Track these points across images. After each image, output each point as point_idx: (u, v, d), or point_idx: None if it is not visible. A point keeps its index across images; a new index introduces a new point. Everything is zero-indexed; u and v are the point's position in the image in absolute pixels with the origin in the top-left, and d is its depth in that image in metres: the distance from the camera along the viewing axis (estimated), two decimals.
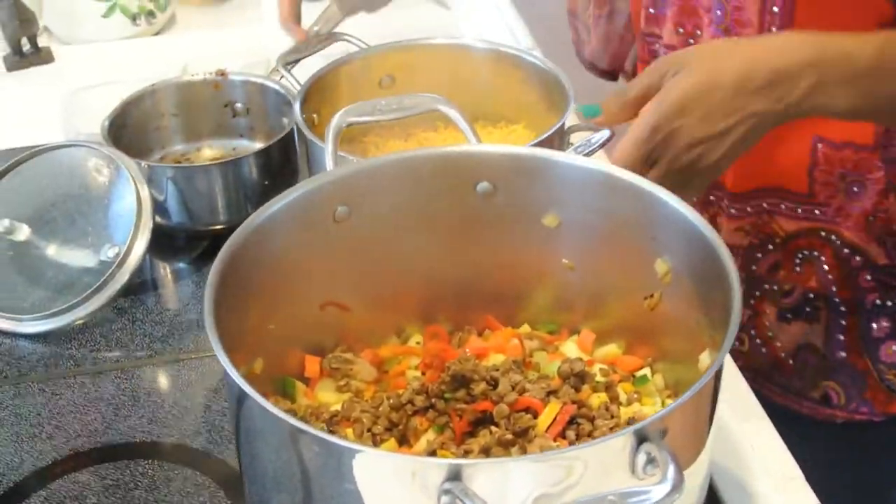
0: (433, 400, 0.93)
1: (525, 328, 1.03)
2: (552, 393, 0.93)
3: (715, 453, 0.86)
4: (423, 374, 0.99)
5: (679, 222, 0.90)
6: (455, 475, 0.72)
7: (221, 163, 1.21)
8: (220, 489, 0.97)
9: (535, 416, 0.91)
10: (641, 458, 0.74)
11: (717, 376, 0.79)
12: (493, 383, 0.93)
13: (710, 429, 0.81)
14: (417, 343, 1.04)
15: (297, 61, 1.30)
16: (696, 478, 0.81)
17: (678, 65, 0.97)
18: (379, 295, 1.02)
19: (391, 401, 0.94)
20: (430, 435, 0.92)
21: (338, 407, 0.95)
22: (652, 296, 0.96)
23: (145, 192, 1.14)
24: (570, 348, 1.00)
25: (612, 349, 1.01)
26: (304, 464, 0.78)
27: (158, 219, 1.20)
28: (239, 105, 1.31)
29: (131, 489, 0.97)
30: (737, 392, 1.10)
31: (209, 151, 1.31)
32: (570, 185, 0.95)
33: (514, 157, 0.96)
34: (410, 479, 0.74)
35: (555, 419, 0.90)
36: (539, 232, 0.99)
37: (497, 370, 0.95)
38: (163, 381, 1.08)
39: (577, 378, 0.94)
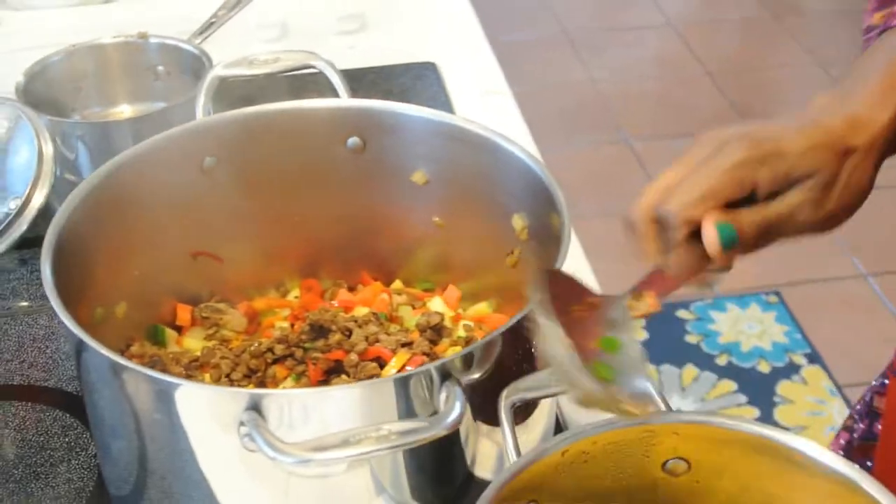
0: (293, 349, 0.95)
1: (397, 284, 1.04)
2: (407, 345, 0.94)
3: None
4: (292, 325, 1.00)
5: (525, 175, 0.92)
6: (253, 405, 0.74)
7: (131, 119, 1.23)
8: (87, 430, 0.99)
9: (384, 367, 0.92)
10: (443, 395, 0.76)
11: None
12: (349, 334, 0.95)
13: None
14: (296, 297, 1.05)
15: (211, 25, 1.32)
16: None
17: None
18: (255, 248, 1.04)
19: (252, 348, 0.96)
20: (289, 383, 0.94)
21: (199, 353, 0.97)
22: (512, 252, 0.97)
23: (47, 145, 1.16)
24: (436, 304, 1.01)
25: (482, 307, 1.02)
26: (131, 402, 0.80)
27: (70, 175, 1.22)
28: (160, 68, 1.33)
29: (1, 428, 0.99)
30: None
31: (128, 114, 1.33)
32: (429, 140, 0.97)
33: (377, 111, 0.98)
34: (216, 408, 0.77)
35: (402, 369, 0.92)
36: (409, 189, 1.01)
37: (355, 321, 0.96)
38: (49, 329, 1.10)
39: (434, 331, 0.96)
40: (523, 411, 0.86)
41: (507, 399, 0.78)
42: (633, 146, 3.12)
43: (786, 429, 0.77)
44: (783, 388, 2.38)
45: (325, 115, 0.99)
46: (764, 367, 2.44)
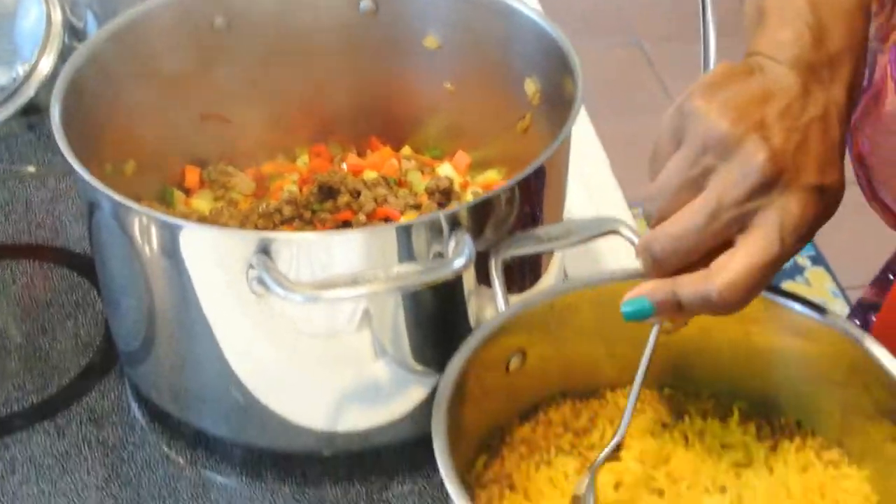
0: (301, 210, 0.95)
1: (407, 150, 1.04)
2: (415, 207, 0.94)
3: None
4: (300, 189, 1.00)
5: (538, 38, 0.91)
6: (263, 248, 0.74)
7: None
8: (94, 288, 0.99)
9: None
10: (451, 244, 0.76)
11: (539, 173, 0.80)
12: (358, 195, 0.95)
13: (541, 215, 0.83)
14: (305, 163, 1.05)
15: None
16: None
17: None
18: (265, 112, 1.03)
19: (260, 209, 0.96)
20: None
21: (207, 213, 0.97)
22: (524, 117, 0.97)
23: (56, 10, 1.15)
24: (445, 169, 1.01)
25: (491, 175, 1.02)
26: (139, 250, 0.80)
27: (78, 44, 1.21)
28: None
29: (9, 284, 1.00)
30: None
31: None
32: (441, 3, 0.97)
33: None
34: (225, 251, 0.77)
35: None
36: (421, 54, 1.00)
37: (364, 184, 0.96)
38: (57, 191, 1.10)
39: (442, 195, 0.95)
40: (532, 272, 0.87)
41: (497, 255, 0.79)
42: (644, 50, 3.09)
43: None
44: (787, 288, 2.37)
45: None
46: None
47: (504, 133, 0.99)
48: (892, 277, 0.90)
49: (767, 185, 0.63)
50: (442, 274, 0.71)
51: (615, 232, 0.81)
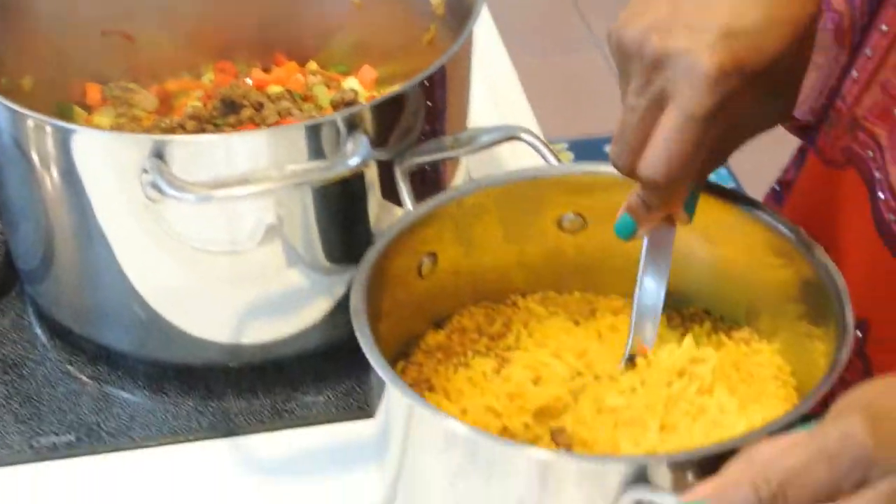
0: (204, 125, 0.94)
1: (312, 65, 1.03)
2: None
3: None
4: (205, 105, 0.99)
5: None
6: (157, 152, 0.73)
7: None
8: None
9: None
10: (349, 146, 0.75)
11: (440, 74, 0.80)
12: (261, 108, 0.94)
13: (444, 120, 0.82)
14: (210, 81, 1.04)
15: None
16: None
17: (884, 462, 0.52)
18: (169, 29, 1.01)
19: (163, 124, 0.94)
20: None
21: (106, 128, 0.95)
22: (428, 29, 0.96)
23: None
24: (351, 83, 1.00)
25: (395, 89, 1.01)
26: (35, 163, 0.79)
27: None
28: None
29: None
30: None
31: None
32: None
33: None
34: (119, 156, 0.75)
35: None
36: None
37: (268, 97, 0.95)
38: None
39: (347, 107, 0.94)
40: (437, 180, 0.86)
41: (401, 163, 0.79)
42: None
43: None
44: None
45: None
46: None
47: (410, 46, 0.98)
48: (777, 188, 0.91)
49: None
50: (336, 172, 0.71)
51: (517, 138, 0.81)
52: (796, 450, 0.53)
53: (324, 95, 0.98)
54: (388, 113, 0.77)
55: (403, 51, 0.99)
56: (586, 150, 2.32)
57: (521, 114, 1.08)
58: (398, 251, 0.72)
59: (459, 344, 0.76)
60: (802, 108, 0.88)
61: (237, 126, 0.92)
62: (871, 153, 0.78)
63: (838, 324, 0.65)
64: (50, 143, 0.77)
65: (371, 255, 0.70)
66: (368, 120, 0.75)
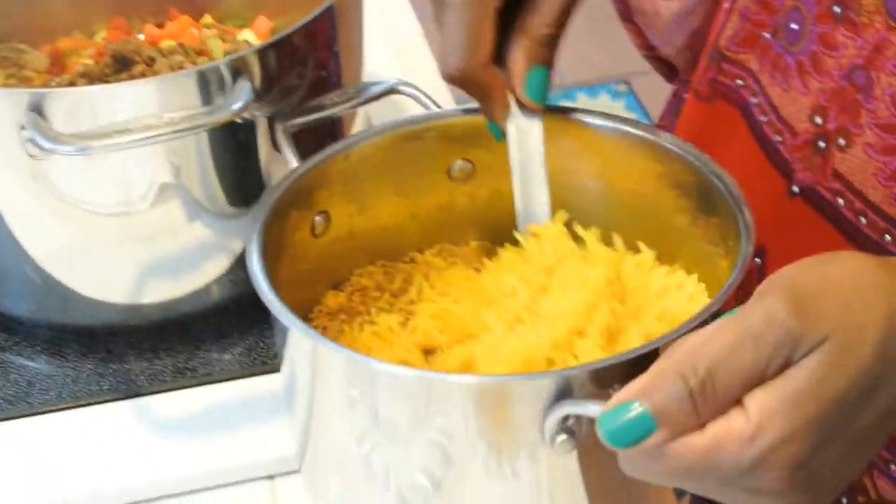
0: (94, 82, 0.91)
1: (207, 19, 1.00)
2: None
3: None
4: (96, 63, 0.96)
5: None
6: (35, 107, 0.71)
7: None
8: None
9: None
10: (234, 94, 0.73)
11: (327, 16, 0.78)
12: (153, 62, 0.91)
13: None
14: (103, 39, 1.01)
15: None
16: None
17: (807, 340, 0.51)
18: None
19: (53, 83, 0.92)
20: None
21: None
22: None
23: None
24: (246, 35, 0.98)
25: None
26: None
27: None
28: None
29: None
30: None
31: None
32: None
33: None
34: None
35: None
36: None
37: (160, 52, 0.92)
38: None
39: None
40: (332, 133, 0.85)
41: (282, 123, 0.77)
42: None
43: None
44: None
45: None
46: None
47: None
48: None
49: None
50: (218, 117, 0.69)
51: (397, 91, 0.79)
52: (720, 335, 0.52)
53: (218, 48, 0.96)
54: (275, 58, 0.75)
55: (299, 3, 0.97)
56: None
57: (424, 65, 1.07)
58: (288, 210, 0.70)
59: (361, 303, 0.75)
60: (666, 45, 0.88)
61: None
62: (740, 81, 0.78)
63: (739, 224, 0.64)
64: None
65: (261, 212, 0.68)
66: (255, 66, 0.74)
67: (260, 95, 0.74)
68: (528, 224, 0.72)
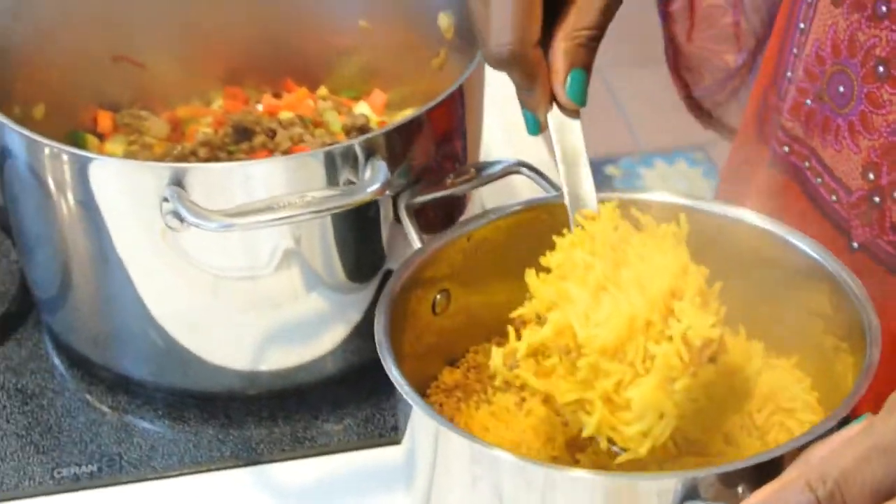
0: (216, 152, 0.94)
1: (322, 91, 1.03)
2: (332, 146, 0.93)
3: None
4: (216, 131, 0.99)
5: None
6: (176, 180, 0.73)
7: None
8: (6, 237, 0.97)
9: None
10: (367, 172, 0.75)
11: (457, 96, 0.80)
12: (273, 135, 0.94)
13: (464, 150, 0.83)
14: (220, 107, 1.04)
15: None
16: None
17: None
18: (178, 55, 1.01)
19: (175, 152, 0.94)
20: None
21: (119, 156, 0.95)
22: (438, 54, 0.96)
23: None
24: (362, 108, 1.00)
25: (406, 113, 1.01)
26: (52, 191, 0.79)
27: None
28: None
29: None
30: None
31: None
32: None
33: None
34: (138, 185, 0.75)
35: None
36: None
37: (280, 123, 0.95)
38: None
39: (359, 132, 0.94)
40: (452, 213, 0.86)
41: (404, 200, 0.78)
42: None
43: None
44: None
45: None
46: None
47: (420, 70, 0.98)
48: None
49: None
50: (357, 198, 0.71)
51: (517, 172, 0.80)
52: (851, 446, 0.52)
53: (335, 121, 0.98)
54: (405, 138, 0.77)
55: (413, 75, 0.99)
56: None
57: (531, 141, 1.08)
58: (412, 289, 0.72)
59: (477, 381, 0.76)
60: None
61: (250, 153, 0.92)
62: (786, 148, 0.82)
63: (862, 328, 0.65)
64: (67, 172, 0.77)
65: (388, 291, 0.70)
66: (384, 145, 0.75)
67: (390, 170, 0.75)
68: (581, 210, 0.71)
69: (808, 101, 0.80)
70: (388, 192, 0.75)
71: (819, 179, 0.80)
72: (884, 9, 0.73)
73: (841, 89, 0.77)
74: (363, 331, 0.83)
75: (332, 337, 0.84)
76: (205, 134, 0.96)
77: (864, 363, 0.63)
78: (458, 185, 0.80)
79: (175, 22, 1.00)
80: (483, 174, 0.80)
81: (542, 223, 0.75)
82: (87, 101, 0.98)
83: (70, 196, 0.78)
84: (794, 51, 0.82)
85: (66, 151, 0.76)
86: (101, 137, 0.98)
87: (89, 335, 0.86)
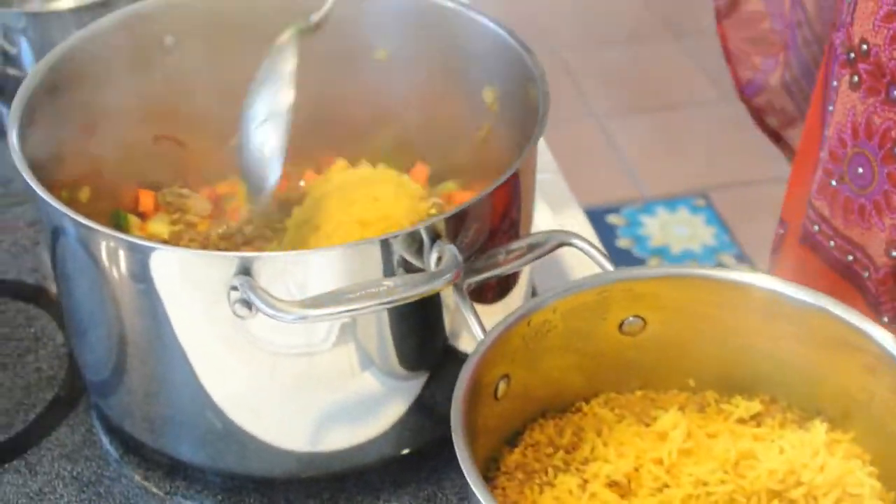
0: (262, 229, 0.94)
1: (363, 163, 1.03)
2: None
3: None
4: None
5: (498, 44, 0.91)
6: (244, 269, 0.73)
7: (73, 9, 1.19)
8: (53, 320, 0.97)
9: None
10: (434, 255, 0.75)
11: (515, 177, 0.80)
12: None
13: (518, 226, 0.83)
14: None
15: None
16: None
17: None
18: (217, 131, 1.01)
19: (221, 230, 0.94)
20: None
21: (166, 237, 0.95)
22: (482, 127, 0.96)
23: None
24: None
25: (449, 186, 1.01)
26: (111, 278, 0.79)
27: (13, 70, 1.19)
28: None
29: None
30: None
31: (70, 4, 1.29)
32: (392, 15, 0.96)
33: None
34: (204, 274, 0.75)
35: None
36: (375, 66, 0.99)
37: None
38: (2, 222, 1.07)
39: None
40: (502, 288, 0.86)
41: (463, 283, 0.78)
42: (562, 57, 3.11)
43: None
44: None
45: None
46: None
47: (463, 143, 0.98)
48: None
49: None
50: (433, 286, 0.71)
51: (569, 244, 0.80)
52: None
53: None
54: (467, 220, 0.77)
55: (456, 147, 0.99)
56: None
57: (571, 211, 1.09)
58: (479, 378, 0.71)
59: (536, 460, 0.76)
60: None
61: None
62: (816, 227, 0.86)
63: None
64: (126, 260, 0.77)
65: (461, 384, 0.69)
66: (447, 228, 0.76)
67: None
68: None
69: (833, 182, 0.84)
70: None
71: (850, 257, 0.83)
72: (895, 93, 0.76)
73: (860, 170, 0.80)
74: (420, 410, 0.83)
75: (390, 416, 0.83)
76: (249, 211, 0.96)
77: None
78: (512, 262, 0.79)
79: (212, 98, 1.00)
80: (536, 249, 0.80)
81: (597, 302, 0.76)
82: (129, 180, 0.99)
83: (127, 282, 0.78)
84: (826, 132, 0.85)
85: (127, 242, 0.75)
86: (143, 216, 0.98)
87: (144, 419, 0.86)
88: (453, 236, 0.76)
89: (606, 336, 0.77)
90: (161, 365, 0.82)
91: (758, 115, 1.13)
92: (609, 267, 0.76)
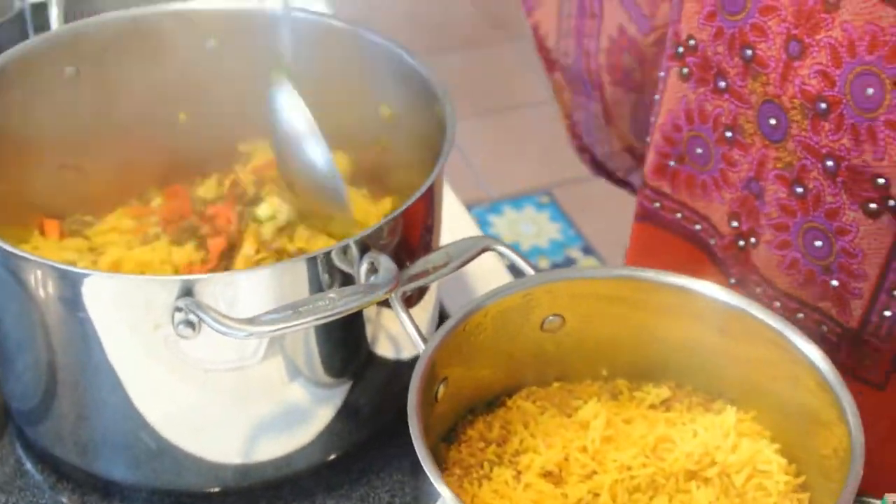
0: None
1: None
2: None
3: None
4: (164, 230, 1.01)
5: (396, 65, 0.95)
6: (187, 291, 0.75)
7: None
8: None
9: None
10: (364, 267, 0.79)
11: (432, 188, 0.84)
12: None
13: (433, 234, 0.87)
14: (159, 205, 1.05)
15: None
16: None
17: None
18: (118, 159, 1.03)
19: None
20: None
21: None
22: (379, 141, 1.00)
23: None
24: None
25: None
26: (35, 302, 0.80)
27: None
28: None
29: None
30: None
31: None
32: (294, 38, 0.99)
33: (237, 13, 0.99)
34: (143, 299, 0.77)
35: None
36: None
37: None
38: None
39: None
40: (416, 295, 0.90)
41: (398, 294, 0.80)
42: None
43: None
44: None
45: (183, 18, 0.99)
46: (544, 264, 2.55)
47: (363, 155, 1.02)
48: None
49: None
50: (375, 296, 0.75)
51: (490, 249, 0.85)
52: None
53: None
54: (392, 232, 0.81)
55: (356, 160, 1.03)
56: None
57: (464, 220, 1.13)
58: (424, 383, 0.75)
59: (471, 455, 0.80)
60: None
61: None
62: (657, 204, 0.97)
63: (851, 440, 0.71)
64: (58, 288, 0.79)
65: (413, 389, 0.73)
66: (377, 240, 0.80)
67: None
68: None
69: (672, 163, 0.94)
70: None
71: (698, 226, 0.94)
72: (722, 84, 0.86)
73: (699, 151, 0.91)
74: (347, 415, 0.87)
75: (320, 422, 0.87)
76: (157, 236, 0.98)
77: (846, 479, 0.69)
78: (440, 270, 0.84)
79: (110, 127, 1.01)
80: (461, 255, 0.84)
81: (523, 303, 0.81)
82: (33, 210, 0.99)
83: (58, 310, 0.80)
84: (652, 119, 0.95)
85: (59, 268, 0.77)
86: None
87: (76, 444, 0.87)
88: (382, 247, 0.80)
89: (529, 334, 0.82)
90: (93, 389, 0.83)
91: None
92: (530, 271, 0.81)
